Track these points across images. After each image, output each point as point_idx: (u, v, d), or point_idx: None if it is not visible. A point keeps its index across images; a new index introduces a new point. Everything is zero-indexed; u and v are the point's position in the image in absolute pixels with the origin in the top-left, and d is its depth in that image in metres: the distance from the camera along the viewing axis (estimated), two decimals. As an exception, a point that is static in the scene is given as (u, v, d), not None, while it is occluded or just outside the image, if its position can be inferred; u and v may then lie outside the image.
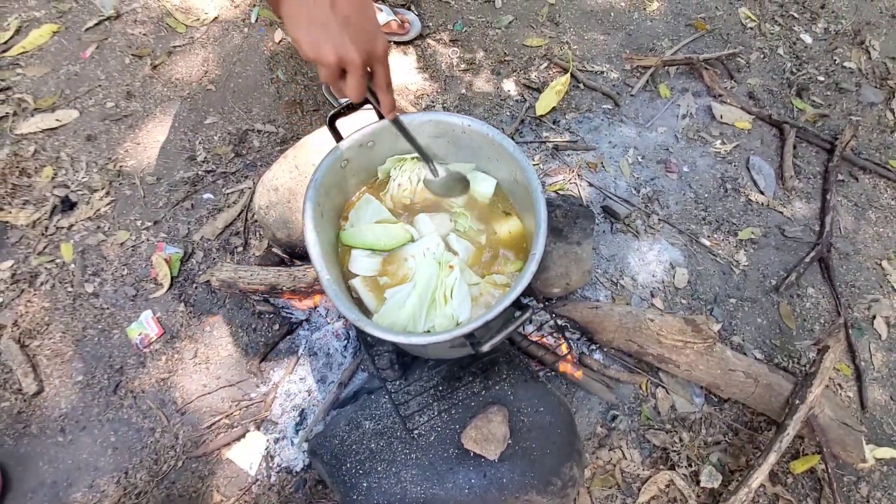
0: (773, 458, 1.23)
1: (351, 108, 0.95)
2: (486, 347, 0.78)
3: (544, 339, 1.39)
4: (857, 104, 1.98)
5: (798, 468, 1.34)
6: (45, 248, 1.52)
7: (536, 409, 1.16)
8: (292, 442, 1.31)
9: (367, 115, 0.96)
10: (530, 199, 0.92)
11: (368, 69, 0.70)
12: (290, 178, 1.35)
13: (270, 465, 1.30)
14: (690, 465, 1.33)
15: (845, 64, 2.07)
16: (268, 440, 1.31)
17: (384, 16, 1.86)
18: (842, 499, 1.29)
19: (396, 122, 0.84)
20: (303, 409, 1.35)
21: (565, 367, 1.36)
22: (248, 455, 1.30)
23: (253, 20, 1.94)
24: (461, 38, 1.97)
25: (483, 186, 1.06)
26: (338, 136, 0.97)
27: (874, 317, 1.58)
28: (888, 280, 1.65)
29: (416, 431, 1.14)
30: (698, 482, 1.31)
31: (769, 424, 1.39)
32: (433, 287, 0.92)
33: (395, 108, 0.79)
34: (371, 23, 0.67)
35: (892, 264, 1.67)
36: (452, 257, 0.95)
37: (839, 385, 1.49)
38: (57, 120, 1.69)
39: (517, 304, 0.83)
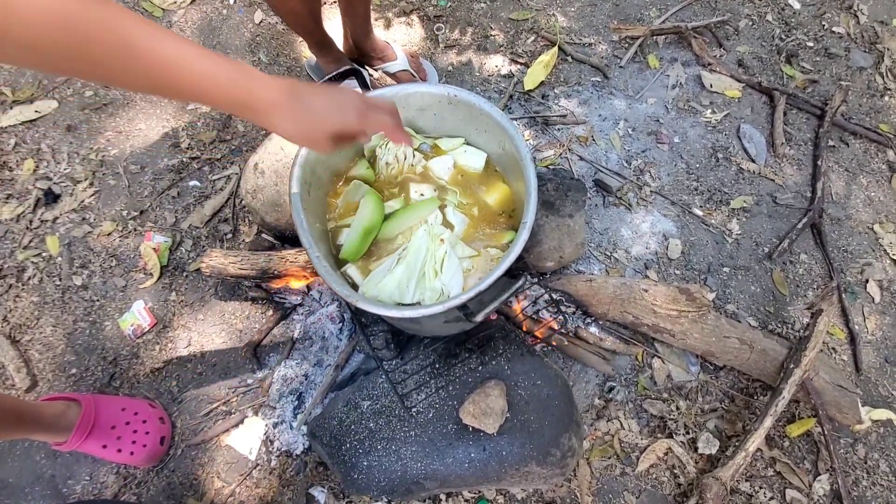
0: (769, 421, 1.24)
1: (336, 81, 0.93)
2: (479, 318, 0.77)
3: (539, 314, 1.39)
4: (846, 69, 1.96)
5: (794, 432, 1.35)
6: (30, 241, 1.49)
7: (534, 383, 1.16)
8: (291, 426, 1.31)
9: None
10: (520, 169, 0.91)
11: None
12: (277, 160, 1.32)
13: (270, 449, 1.29)
14: (688, 433, 1.34)
15: (834, 29, 2.05)
16: (266, 425, 1.31)
17: (399, 64, 1.70)
18: (839, 460, 1.31)
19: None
20: (300, 393, 1.34)
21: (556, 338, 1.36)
22: (247, 440, 1.30)
23: (232, 1, 1.89)
24: (445, 14, 1.93)
25: (473, 161, 1.05)
26: (322, 112, 0.95)
27: (867, 281, 1.59)
28: (880, 244, 1.65)
29: (414, 409, 1.14)
30: (696, 449, 1.32)
31: (764, 390, 1.40)
32: (423, 260, 0.91)
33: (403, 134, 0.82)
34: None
35: (883, 228, 1.67)
36: (443, 230, 0.94)
37: (833, 349, 1.50)
38: (36, 111, 1.65)
39: (510, 274, 0.82)
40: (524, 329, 1.34)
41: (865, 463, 1.36)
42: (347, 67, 0.93)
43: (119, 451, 1.20)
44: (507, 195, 1.03)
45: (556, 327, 1.37)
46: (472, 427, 1.09)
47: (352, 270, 0.97)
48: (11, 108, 1.65)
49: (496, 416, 1.08)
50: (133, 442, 1.21)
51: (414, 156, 1.04)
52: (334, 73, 0.93)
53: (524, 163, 0.87)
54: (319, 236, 0.93)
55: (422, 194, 1.01)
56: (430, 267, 0.90)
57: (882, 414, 1.41)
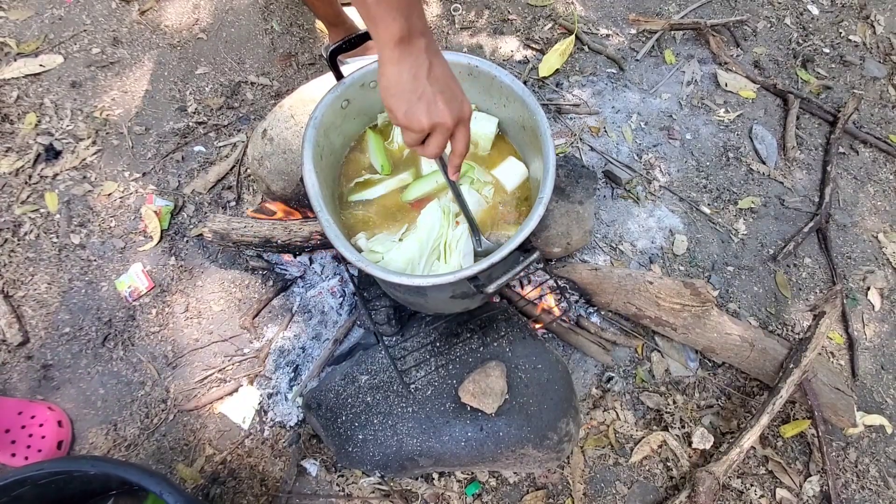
0: (765, 419, 1.24)
1: (351, 44, 0.90)
2: (491, 289, 0.76)
3: (542, 300, 1.38)
4: (860, 78, 1.96)
5: (788, 432, 1.36)
6: (28, 197, 1.46)
7: (534, 366, 1.16)
8: (286, 397, 1.29)
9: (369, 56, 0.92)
10: (538, 144, 0.89)
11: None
12: (286, 127, 1.30)
13: (264, 419, 1.28)
14: (683, 427, 1.34)
15: (850, 37, 2.04)
16: (261, 395, 1.30)
17: None
18: (831, 462, 1.31)
19: (453, 185, 0.83)
20: (297, 366, 1.33)
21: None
22: (241, 409, 1.29)
23: (247, -32, 1.85)
24: (464, -4, 1.91)
25: (484, 127, 1.02)
26: (338, 75, 0.93)
27: (868, 288, 1.59)
28: (884, 252, 1.65)
29: (413, 385, 1.13)
30: (690, 443, 1.32)
31: (761, 389, 1.40)
32: (436, 238, 0.89)
33: (459, 171, 0.80)
34: (460, 89, 0.72)
35: (888, 237, 1.67)
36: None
37: (832, 353, 1.50)
38: (41, 65, 1.61)
39: (522, 249, 0.80)
40: (527, 313, 1.33)
41: (856, 467, 1.36)
42: (363, 31, 0.90)
43: (13, 455, 1.14)
44: (523, 172, 1.01)
45: (559, 313, 1.36)
46: (471, 406, 1.08)
47: (361, 241, 0.95)
48: (15, 60, 1.62)
49: (495, 397, 1.07)
50: (28, 447, 1.15)
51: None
52: (352, 36, 0.90)
53: (543, 137, 0.85)
54: (329, 202, 0.91)
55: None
56: (442, 245, 0.89)
57: (875, 420, 1.42)
